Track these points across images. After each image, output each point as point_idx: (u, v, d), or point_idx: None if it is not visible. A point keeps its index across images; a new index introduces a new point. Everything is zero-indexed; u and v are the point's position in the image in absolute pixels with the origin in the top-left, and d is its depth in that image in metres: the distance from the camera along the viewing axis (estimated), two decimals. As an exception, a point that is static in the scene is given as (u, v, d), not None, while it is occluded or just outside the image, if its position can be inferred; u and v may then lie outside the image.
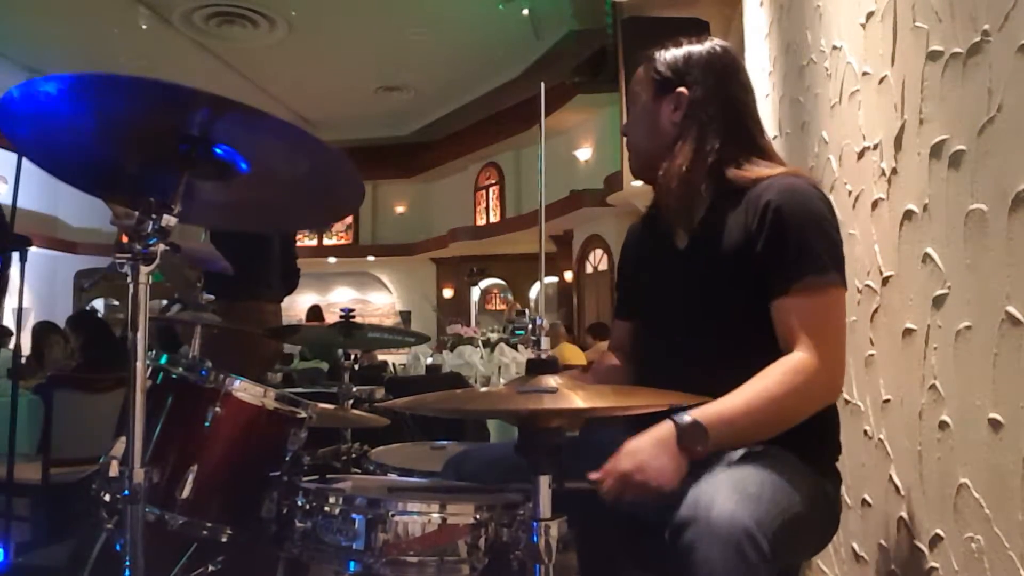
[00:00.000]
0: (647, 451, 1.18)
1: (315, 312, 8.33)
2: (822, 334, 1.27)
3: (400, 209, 15.68)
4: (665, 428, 1.19)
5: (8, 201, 2.45)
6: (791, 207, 1.30)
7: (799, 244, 1.29)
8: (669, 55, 1.47)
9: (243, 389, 1.41)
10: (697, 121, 1.41)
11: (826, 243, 1.31)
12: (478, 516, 1.20)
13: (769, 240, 1.30)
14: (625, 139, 1.56)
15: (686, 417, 1.19)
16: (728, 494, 1.09)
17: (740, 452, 1.24)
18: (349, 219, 15.18)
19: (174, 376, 1.42)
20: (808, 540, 1.31)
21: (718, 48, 1.47)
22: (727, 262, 1.36)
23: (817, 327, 1.27)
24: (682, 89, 1.43)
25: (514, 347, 5.83)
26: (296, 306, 9.41)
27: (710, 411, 1.20)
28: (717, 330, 1.37)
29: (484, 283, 14.18)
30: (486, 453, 1.56)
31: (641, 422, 1.26)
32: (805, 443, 1.29)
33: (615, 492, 1.17)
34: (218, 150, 1.12)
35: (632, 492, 1.16)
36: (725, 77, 1.44)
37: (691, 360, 1.36)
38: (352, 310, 2.02)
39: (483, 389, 1.25)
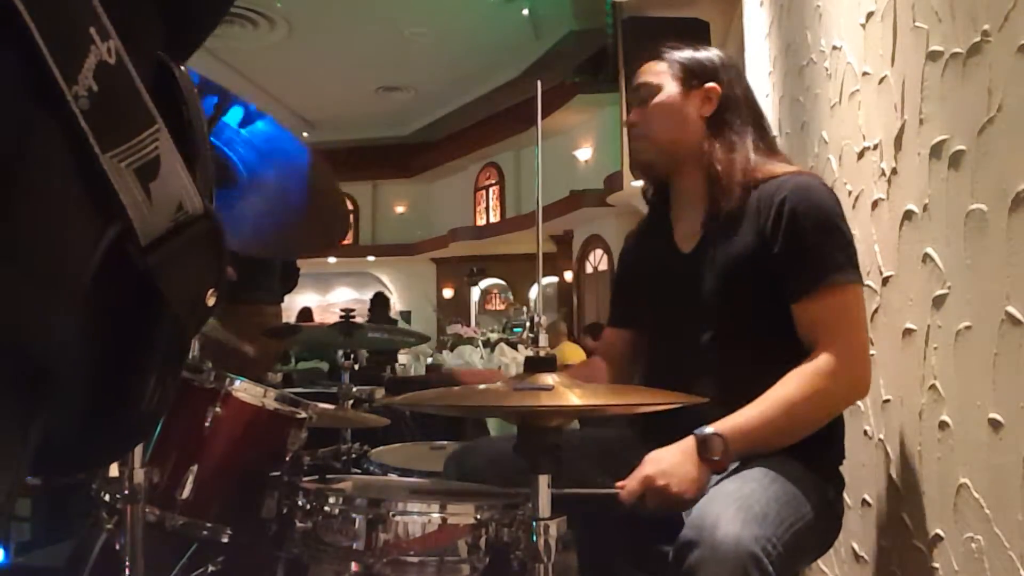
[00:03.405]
0: (669, 459, 1.20)
1: (306, 314, 8.32)
2: (844, 333, 1.28)
3: (400, 209, 15.67)
4: (686, 440, 1.22)
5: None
6: (806, 208, 1.31)
7: (817, 246, 1.31)
8: (687, 54, 1.47)
9: (243, 389, 1.41)
10: (728, 117, 1.43)
11: (843, 242, 1.32)
12: (478, 516, 1.20)
13: (787, 243, 1.31)
14: (632, 131, 1.50)
15: (707, 429, 1.21)
16: (734, 514, 1.08)
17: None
18: (349, 218, 15.18)
19: (174, 376, 1.42)
20: (812, 547, 1.31)
21: (724, 54, 1.51)
22: (740, 265, 1.36)
23: (839, 326, 1.28)
24: (713, 85, 1.44)
25: (514, 347, 5.83)
26: (295, 306, 9.42)
27: (729, 423, 1.22)
28: (728, 332, 1.37)
29: (484, 283, 14.18)
30: (488, 448, 1.56)
31: (652, 427, 1.26)
32: (810, 449, 1.29)
33: (637, 496, 1.18)
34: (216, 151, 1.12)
35: (653, 497, 1.17)
36: (742, 77, 1.49)
37: (701, 364, 1.36)
38: (352, 310, 2.02)
39: (481, 387, 1.25)
